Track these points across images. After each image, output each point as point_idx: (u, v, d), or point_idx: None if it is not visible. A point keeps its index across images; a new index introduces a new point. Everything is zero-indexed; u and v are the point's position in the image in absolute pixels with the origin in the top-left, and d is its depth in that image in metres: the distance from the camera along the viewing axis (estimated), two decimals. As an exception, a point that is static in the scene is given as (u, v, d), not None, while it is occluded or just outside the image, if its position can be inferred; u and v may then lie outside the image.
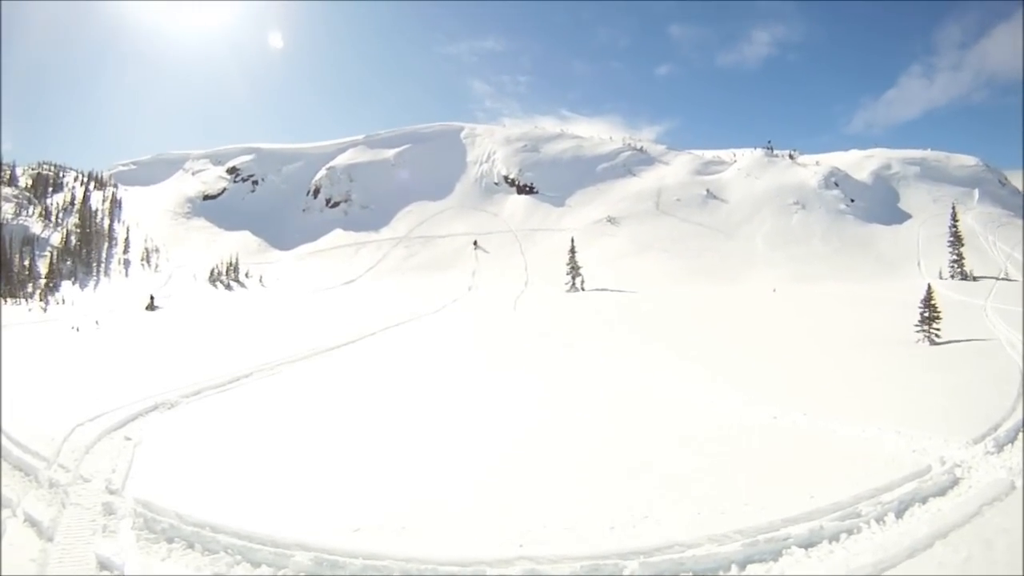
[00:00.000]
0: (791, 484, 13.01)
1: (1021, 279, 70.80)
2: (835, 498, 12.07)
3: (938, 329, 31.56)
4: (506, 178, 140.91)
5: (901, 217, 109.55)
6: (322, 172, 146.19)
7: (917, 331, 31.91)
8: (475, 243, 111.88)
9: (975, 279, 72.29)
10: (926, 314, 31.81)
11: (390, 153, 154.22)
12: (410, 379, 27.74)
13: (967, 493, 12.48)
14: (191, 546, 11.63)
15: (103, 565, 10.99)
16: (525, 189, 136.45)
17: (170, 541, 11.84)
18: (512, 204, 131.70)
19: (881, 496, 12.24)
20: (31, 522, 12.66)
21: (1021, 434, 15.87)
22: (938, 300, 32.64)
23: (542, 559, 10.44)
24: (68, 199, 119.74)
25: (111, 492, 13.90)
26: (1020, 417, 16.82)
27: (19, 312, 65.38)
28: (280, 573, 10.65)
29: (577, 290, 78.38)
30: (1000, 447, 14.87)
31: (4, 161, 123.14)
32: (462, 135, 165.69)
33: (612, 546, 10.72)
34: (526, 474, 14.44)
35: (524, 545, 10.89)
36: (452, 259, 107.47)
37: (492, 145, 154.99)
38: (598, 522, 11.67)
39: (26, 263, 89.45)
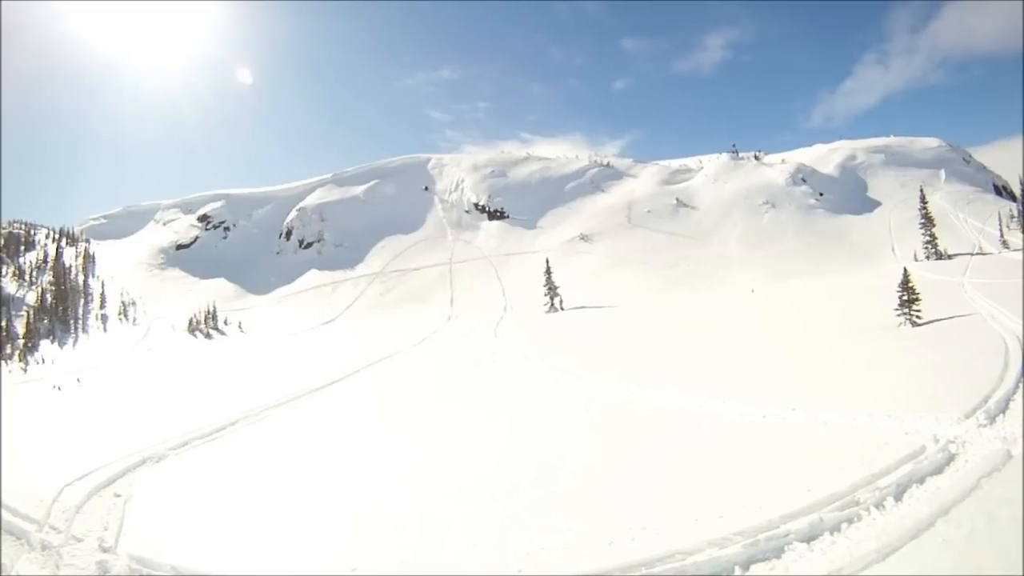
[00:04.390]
0: (787, 480, 12.97)
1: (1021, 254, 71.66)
2: (832, 489, 12.02)
3: (918, 310, 31.79)
4: (476, 205, 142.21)
5: (871, 205, 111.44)
6: (293, 214, 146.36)
7: (898, 315, 32.15)
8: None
9: (950, 257, 73.52)
10: (905, 297, 32.04)
11: (359, 190, 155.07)
12: (397, 413, 27.69)
13: (964, 468, 12.43)
14: (188, 599, 11.39)
15: None
16: (496, 215, 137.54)
17: None
18: (485, 231, 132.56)
19: (878, 481, 12.21)
20: None
21: (1015, 402, 15.94)
22: (915, 282, 32.86)
23: (543, 580, 10.30)
24: (41, 257, 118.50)
25: (105, 550, 13.73)
26: (1009, 387, 16.88)
27: None
28: None
29: (556, 310, 78.60)
30: (992, 419, 14.89)
31: None
32: (429, 166, 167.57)
33: (613, 561, 10.63)
34: (521, 497, 14.32)
35: (523, 568, 10.80)
36: (429, 290, 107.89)
37: (459, 173, 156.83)
38: (596, 538, 11.56)
39: (2, 324, 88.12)
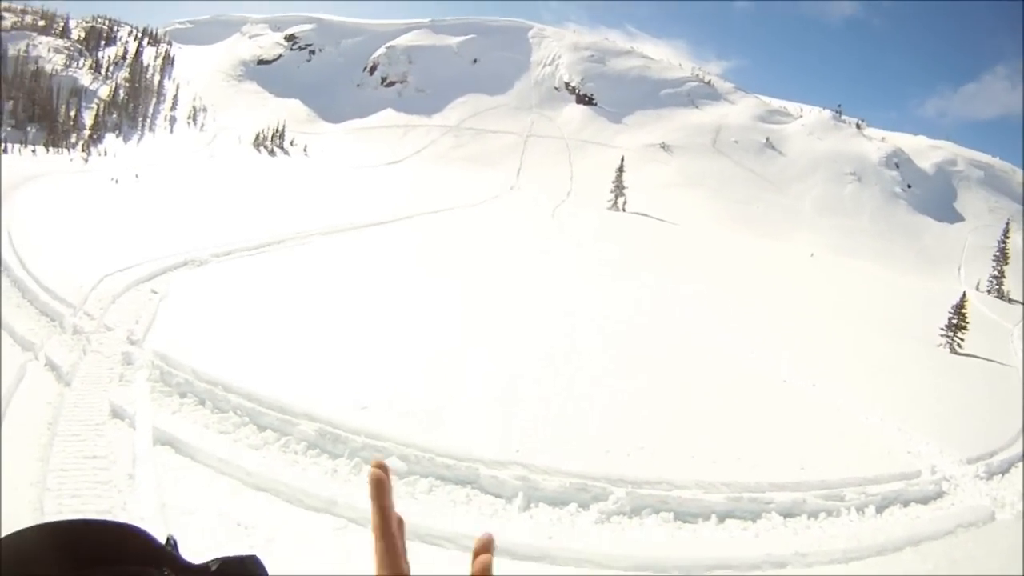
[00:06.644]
0: (785, 450, 13.25)
1: None
2: (824, 476, 12.31)
3: (962, 339, 31.22)
4: (567, 85, 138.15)
5: (954, 217, 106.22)
6: (381, 50, 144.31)
7: (941, 335, 31.61)
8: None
9: (1010, 301, 69.89)
10: (955, 321, 31.43)
11: (454, 41, 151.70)
12: (437, 265, 28.10)
13: (947, 509, 12.64)
14: (202, 403, 11.94)
15: (115, 413, 11.17)
16: (584, 99, 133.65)
17: (183, 396, 12.15)
18: (569, 112, 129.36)
19: (867, 487, 12.43)
20: (51, 366, 12.78)
21: (1017, 468, 15.72)
22: (969, 311, 32.13)
23: (535, 468, 10.78)
24: (120, 53, 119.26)
25: (132, 343, 14.03)
26: (1019, 452, 16.53)
27: (60, 162, 65.13)
28: (283, 439, 11.02)
29: (619, 210, 78.17)
30: (991, 475, 14.83)
31: (57, 13, 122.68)
32: (530, 34, 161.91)
33: (604, 470, 11.05)
34: (539, 382, 14.81)
35: (521, 451, 11.20)
36: (499, 156, 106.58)
37: (559, 49, 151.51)
38: (596, 443, 12.00)
39: (71, 114, 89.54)
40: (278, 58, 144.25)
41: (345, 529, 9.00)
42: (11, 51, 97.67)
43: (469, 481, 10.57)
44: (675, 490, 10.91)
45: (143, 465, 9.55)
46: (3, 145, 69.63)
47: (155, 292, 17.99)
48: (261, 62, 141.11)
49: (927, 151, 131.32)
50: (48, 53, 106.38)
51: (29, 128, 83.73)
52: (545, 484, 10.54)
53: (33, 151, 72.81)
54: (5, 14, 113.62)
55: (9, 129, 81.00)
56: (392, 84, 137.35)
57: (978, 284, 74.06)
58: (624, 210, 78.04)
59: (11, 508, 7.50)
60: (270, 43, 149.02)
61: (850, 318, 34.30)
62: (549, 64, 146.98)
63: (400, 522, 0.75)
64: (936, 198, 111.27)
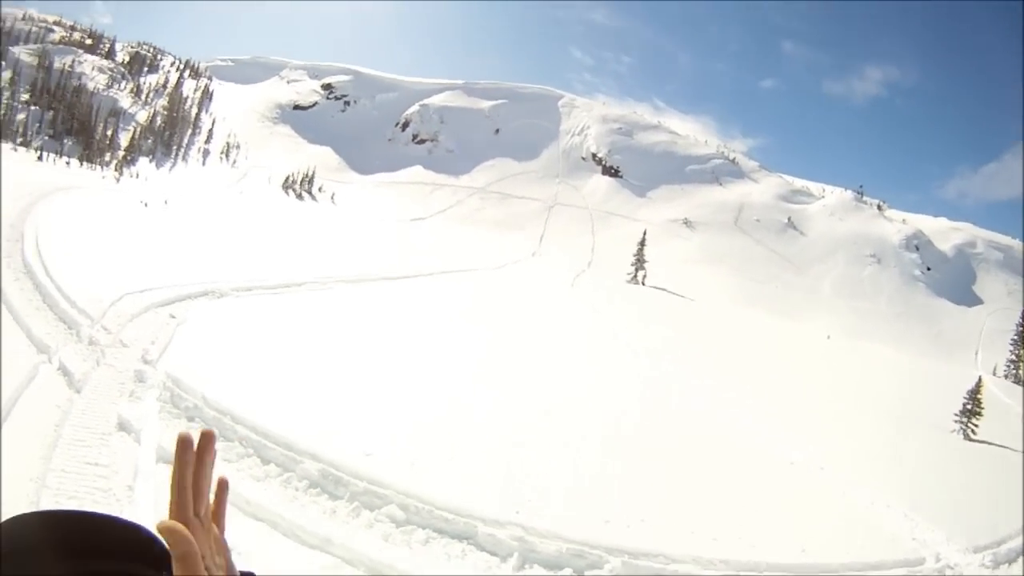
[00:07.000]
0: (787, 531, 13.02)
1: None
2: (825, 560, 12.04)
3: (977, 425, 30.73)
4: (594, 155, 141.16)
5: (972, 300, 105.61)
6: (415, 107, 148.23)
7: (955, 421, 31.14)
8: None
9: (1029, 386, 69.28)
10: (969, 406, 30.98)
11: (486, 104, 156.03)
12: (455, 324, 28.21)
13: (950, 600, 12.29)
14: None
15: (122, 426, 11.18)
16: (610, 171, 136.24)
17: (191, 419, 12.20)
18: (594, 183, 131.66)
19: (868, 572, 12.16)
20: (64, 371, 12.89)
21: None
22: (985, 396, 31.75)
23: (533, 531, 10.63)
24: (161, 81, 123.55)
25: (146, 362, 14.15)
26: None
27: (92, 177, 66.58)
28: (286, 475, 11.00)
29: (638, 283, 78.99)
30: (997, 564, 14.47)
31: (104, 35, 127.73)
32: (560, 103, 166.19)
33: (603, 538, 10.88)
34: (546, 444, 14.73)
35: (520, 512, 11.08)
36: (523, 221, 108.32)
37: (587, 120, 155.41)
38: (597, 511, 11.86)
39: (108, 133, 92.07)
40: (314, 105, 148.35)
41: (338, 568, 8.95)
42: (57, 64, 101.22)
43: (466, 536, 10.44)
44: (672, 564, 10.71)
45: (144, 480, 9.57)
46: (40, 153, 71.48)
47: (173, 317, 18.22)
48: (297, 107, 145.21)
49: (947, 233, 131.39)
50: (92, 71, 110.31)
51: (66, 140, 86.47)
52: (542, 547, 10.39)
53: (67, 163, 75.48)
54: (55, 28, 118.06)
55: (47, 138, 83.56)
56: (423, 142, 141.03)
57: (995, 368, 73.39)
58: (643, 283, 78.93)
59: (8, 498, 7.55)
60: (307, 90, 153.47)
61: (864, 402, 33.94)
62: (577, 134, 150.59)
63: (223, 484, 0.71)
64: (955, 281, 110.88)
